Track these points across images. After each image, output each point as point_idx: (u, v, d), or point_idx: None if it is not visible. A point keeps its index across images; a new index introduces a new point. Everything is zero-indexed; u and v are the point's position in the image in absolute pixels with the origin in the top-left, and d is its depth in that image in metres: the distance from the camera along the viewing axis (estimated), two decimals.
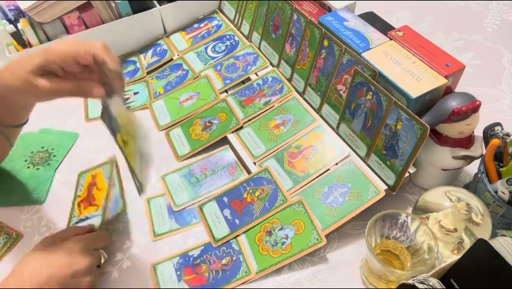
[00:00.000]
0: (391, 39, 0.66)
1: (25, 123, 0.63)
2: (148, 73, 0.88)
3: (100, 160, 0.72)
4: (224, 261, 0.59)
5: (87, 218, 0.64)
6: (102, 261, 0.57)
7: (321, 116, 0.72)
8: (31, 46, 0.83)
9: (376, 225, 0.53)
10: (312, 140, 0.68)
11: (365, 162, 0.64)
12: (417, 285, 0.42)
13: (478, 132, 0.60)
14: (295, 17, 0.74)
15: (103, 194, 0.66)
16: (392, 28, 0.69)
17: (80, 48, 0.51)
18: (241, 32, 0.90)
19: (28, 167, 0.72)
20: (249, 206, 0.63)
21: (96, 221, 0.63)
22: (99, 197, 0.66)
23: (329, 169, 0.64)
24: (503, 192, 0.53)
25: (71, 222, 0.65)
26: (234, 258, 0.59)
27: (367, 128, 0.63)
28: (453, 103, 0.55)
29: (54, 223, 0.66)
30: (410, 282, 0.44)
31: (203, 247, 0.61)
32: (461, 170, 0.66)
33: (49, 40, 0.85)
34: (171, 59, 0.89)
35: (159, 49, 0.92)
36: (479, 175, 0.56)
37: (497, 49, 0.88)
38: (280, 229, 0.60)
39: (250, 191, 0.65)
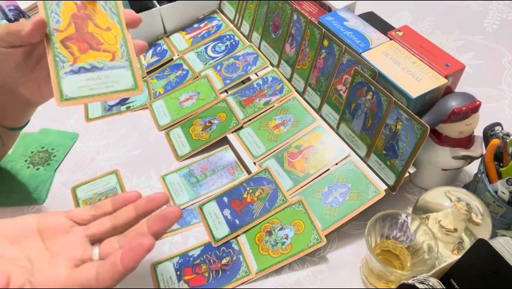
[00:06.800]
0: (391, 39, 0.66)
1: (23, 126, 0.62)
2: (148, 73, 0.88)
3: (100, 160, 0.73)
4: (224, 261, 0.59)
5: (95, 67, 0.42)
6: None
7: (321, 116, 0.72)
8: None
9: (376, 225, 0.53)
10: (312, 140, 0.68)
11: (365, 162, 0.64)
12: (417, 285, 0.42)
13: (478, 132, 0.60)
14: (295, 17, 0.74)
15: (112, 35, 0.44)
16: (392, 28, 0.69)
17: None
18: (241, 32, 0.90)
19: (28, 167, 0.72)
20: (249, 206, 0.63)
21: (120, 73, 0.42)
22: (106, 39, 0.44)
23: (329, 169, 0.64)
24: (503, 192, 0.53)
25: (58, 69, 0.42)
26: (234, 258, 0.59)
27: (367, 128, 0.63)
28: (453, 103, 0.56)
29: None
30: (410, 282, 0.44)
31: (203, 247, 0.61)
32: (461, 170, 0.66)
33: None
34: (171, 59, 0.89)
35: (159, 49, 0.92)
36: (479, 175, 0.56)
37: (497, 49, 0.88)
38: (280, 229, 0.60)
39: (250, 191, 0.65)
